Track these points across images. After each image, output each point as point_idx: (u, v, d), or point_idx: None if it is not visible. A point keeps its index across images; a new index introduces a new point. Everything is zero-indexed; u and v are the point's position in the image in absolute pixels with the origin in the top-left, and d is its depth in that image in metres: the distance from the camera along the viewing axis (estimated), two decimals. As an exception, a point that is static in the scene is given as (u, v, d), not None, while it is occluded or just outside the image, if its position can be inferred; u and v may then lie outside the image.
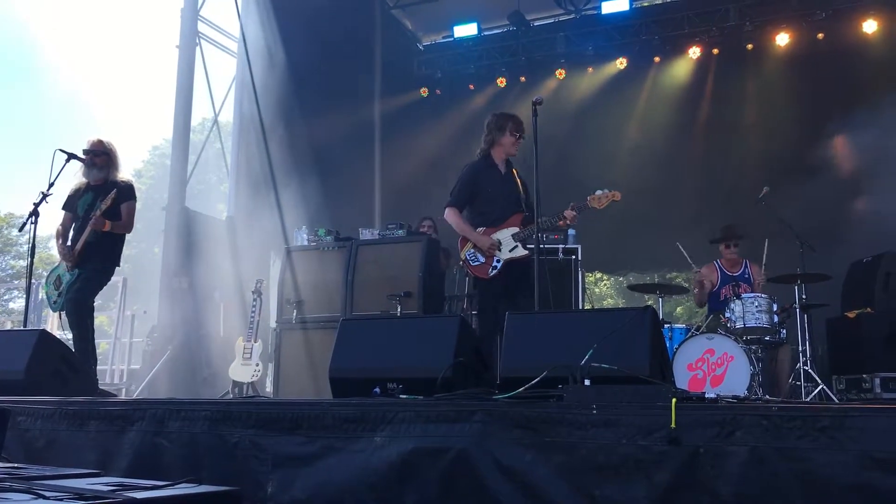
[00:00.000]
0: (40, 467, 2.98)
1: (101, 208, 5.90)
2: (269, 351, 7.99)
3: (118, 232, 6.11)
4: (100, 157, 6.14)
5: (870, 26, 10.53)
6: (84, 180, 6.20)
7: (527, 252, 5.59)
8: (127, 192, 6.14)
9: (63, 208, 6.25)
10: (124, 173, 6.32)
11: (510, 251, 5.67)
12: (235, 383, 7.66)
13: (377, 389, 3.64)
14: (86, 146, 6.16)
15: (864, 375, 6.82)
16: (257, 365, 7.63)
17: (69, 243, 6.09)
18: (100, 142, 6.19)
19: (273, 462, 3.22)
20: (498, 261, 5.68)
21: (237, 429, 3.34)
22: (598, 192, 5.63)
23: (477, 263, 5.77)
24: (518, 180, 5.89)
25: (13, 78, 46.98)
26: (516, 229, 5.73)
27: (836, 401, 6.30)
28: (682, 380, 5.92)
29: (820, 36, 10.88)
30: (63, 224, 6.22)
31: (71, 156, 6.01)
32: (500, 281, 5.68)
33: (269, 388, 8.09)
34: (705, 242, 7.83)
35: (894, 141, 8.64)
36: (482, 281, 5.83)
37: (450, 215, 5.94)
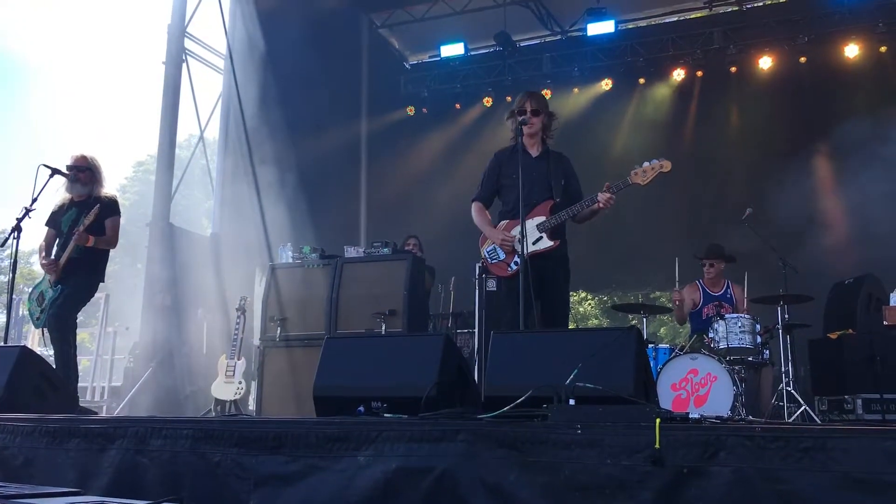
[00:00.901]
0: (19, 486, 2.94)
1: (85, 223, 5.86)
2: (252, 369, 7.95)
3: (102, 247, 6.06)
4: (83, 173, 6.10)
5: (851, 50, 10.70)
6: (68, 196, 6.15)
7: (553, 243, 4.99)
8: (111, 208, 6.09)
9: (46, 224, 6.20)
10: (108, 189, 6.28)
11: (533, 243, 4.98)
12: (218, 401, 7.61)
13: (361, 408, 3.63)
14: (69, 161, 6.12)
15: (846, 396, 6.86)
16: (240, 383, 7.58)
17: (52, 258, 6.04)
18: (83, 157, 6.15)
19: (255, 481, 3.19)
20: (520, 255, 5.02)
21: (219, 447, 3.31)
22: (645, 164, 4.86)
23: (497, 261, 5.17)
24: (557, 165, 5.23)
25: (-5, 91, 46.78)
26: (542, 218, 5.05)
27: (819, 422, 6.33)
28: (666, 400, 5.93)
29: (802, 59, 11.05)
30: (46, 240, 6.16)
31: (55, 171, 5.97)
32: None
33: (251, 406, 8.03)
34: (689, 262, 7.87)
35: (876, 163, 8.74)
36: (504, 280, 5.20)
37: (472, 211, 5.37)
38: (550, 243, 5.00)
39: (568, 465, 2.73)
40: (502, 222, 5.24)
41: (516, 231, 4.94)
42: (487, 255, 5.23)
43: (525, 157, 4.98)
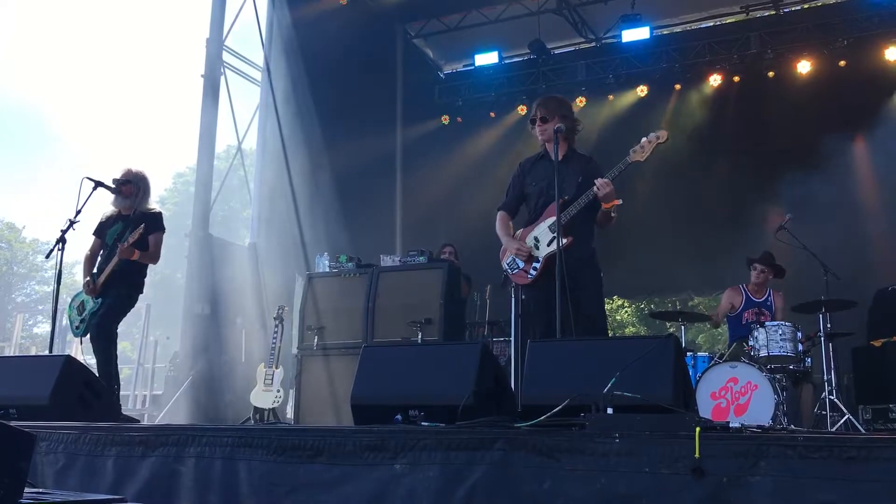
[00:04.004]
0: (64, 492, 3.00)
1: (129, 241, 5.93)
2: (290, 377, 8.01)
3: (145, 262, 6.15)
4: (126, 186, 6.17)
5: (892, 53, 10.50)
6: (115, 208, 6.26)
7: (566, 240, 4.69)
8: (155, 223, 6.15)
9: (94, 234, 6.30)
10: (153, 202, 6.36)
11: (549, 245, 4.82)
12: (256, 409, 7.67)
13: (399, 417, 3.64)
14: (117, 175, 6.21)
15: (891, 405, 6.74)
16: (278, 391, 7.64)
17: (95, 271, 6.15)
18: (128, 170, 6.23)
19: (292, 489, 3.22)
20: (538, 260, 4.96)
21: (258, 455, 3.35)
22: (643, 140, 4.86)
23: (517, 270, 5.08)
24: (576, 166, 5.10)
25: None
26: (553, 218, 4.83)
27: (863, 431, 6.22)
28: (706, 409, 5.86)
29: (842, 63, 10.86)
30: (92, 249, 6.26)
31: (98, 184, 6.05)
32: (546, 283, 4.74)
33: (289, 414, 8.09)
34: (727, 268, 7.79)
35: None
36: (527, 289, 5.17)
37: (496, 220, 5.30)
38: (565, 240, 4.72)
39: (605, 474, 2.71)
40: (518, 231, 5.20)
41: (530, 238, 5.06)
42: (508, 268, 5.19)
43: (545, 162, 5.15)
